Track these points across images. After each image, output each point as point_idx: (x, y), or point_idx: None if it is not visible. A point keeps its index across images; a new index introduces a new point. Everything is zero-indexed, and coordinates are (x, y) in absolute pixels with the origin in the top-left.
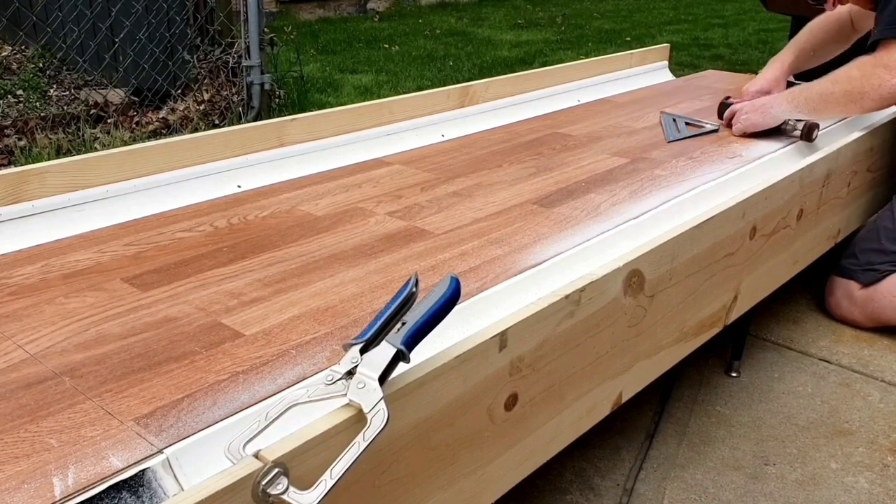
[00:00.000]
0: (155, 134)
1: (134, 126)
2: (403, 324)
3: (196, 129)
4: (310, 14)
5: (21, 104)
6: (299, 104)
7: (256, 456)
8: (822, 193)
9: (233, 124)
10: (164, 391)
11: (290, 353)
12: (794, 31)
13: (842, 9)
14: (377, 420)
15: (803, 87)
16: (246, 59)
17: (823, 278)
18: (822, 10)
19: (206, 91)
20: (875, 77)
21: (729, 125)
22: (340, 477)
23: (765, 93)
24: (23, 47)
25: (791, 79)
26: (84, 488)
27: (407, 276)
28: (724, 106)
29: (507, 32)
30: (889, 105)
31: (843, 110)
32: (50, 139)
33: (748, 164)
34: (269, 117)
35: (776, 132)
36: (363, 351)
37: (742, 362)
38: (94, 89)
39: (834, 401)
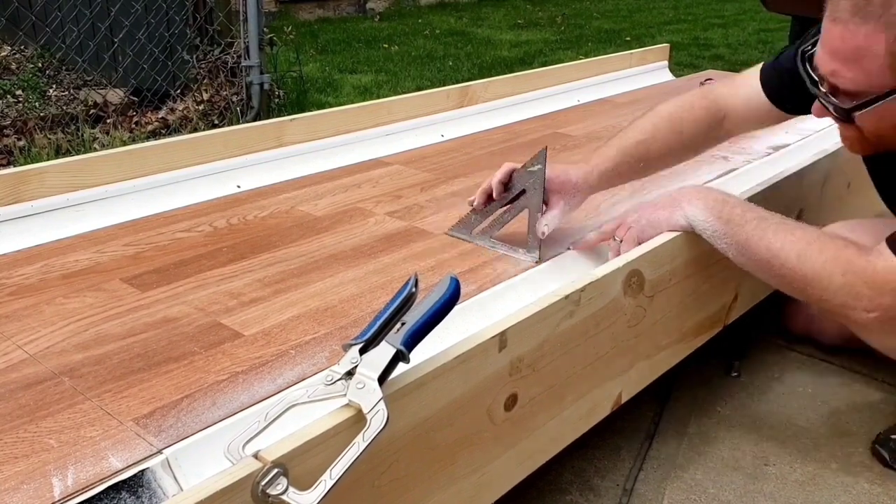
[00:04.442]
0: (154, 134)
1: (133, 126)
2: (403, 324)
3: (195, 129)
4: (309, 14)
5: (20, 104)
6: (299, 104)
7: (256, 456)
8: (822, 193)
9: (232, 124)
10: (164, 391)
11: (289, 354)
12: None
13: (711, 98)
14: (377, 420)
15: (746, 207)
16: (245, 59)
17: None
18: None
19: (206, 91)
20: (851, 296)
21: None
22: (340, 477)
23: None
24: (22, 47)
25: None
26: (83, 488)
27: (407, 277)
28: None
29: (507, 32)
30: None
31: (783, 285)
32: (49, 139)
33: (748, 164)
34: (269, 117)
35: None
36: (363, 351)
37: (742, 362)
38: (94, 89)
39: (834, 401)
